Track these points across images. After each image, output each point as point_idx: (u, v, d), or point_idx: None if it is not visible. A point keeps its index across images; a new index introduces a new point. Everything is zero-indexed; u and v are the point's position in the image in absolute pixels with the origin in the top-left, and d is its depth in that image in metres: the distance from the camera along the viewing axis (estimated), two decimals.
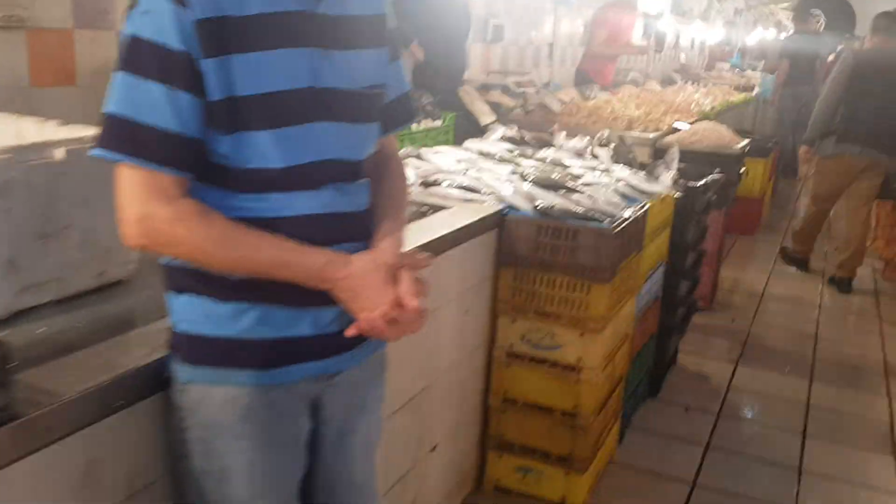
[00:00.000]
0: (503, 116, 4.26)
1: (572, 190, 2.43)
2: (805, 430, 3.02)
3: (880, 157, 4.63)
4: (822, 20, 8.32)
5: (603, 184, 2.60)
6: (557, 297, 2.27)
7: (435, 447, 2.14)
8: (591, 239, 2.20)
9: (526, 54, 6.28)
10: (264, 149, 1.05)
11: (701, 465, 2.72)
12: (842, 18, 12.57)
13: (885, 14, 4.87)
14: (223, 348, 1.09)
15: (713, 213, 3.82)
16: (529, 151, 3.09)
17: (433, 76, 4.11)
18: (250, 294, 1.08)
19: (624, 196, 2.57)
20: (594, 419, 2.33)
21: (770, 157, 6.07)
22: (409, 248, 1.80)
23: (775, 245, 5.76)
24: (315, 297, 1.09)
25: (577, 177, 2.71)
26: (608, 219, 2.27)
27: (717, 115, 5.73)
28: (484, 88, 4.91)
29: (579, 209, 2.27)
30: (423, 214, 2.13)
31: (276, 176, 1.06)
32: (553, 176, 2.61)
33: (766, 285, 4.87)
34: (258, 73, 1.02)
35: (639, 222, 2.49)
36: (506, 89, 5.02)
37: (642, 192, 2.66)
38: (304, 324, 1.12)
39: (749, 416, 3.12)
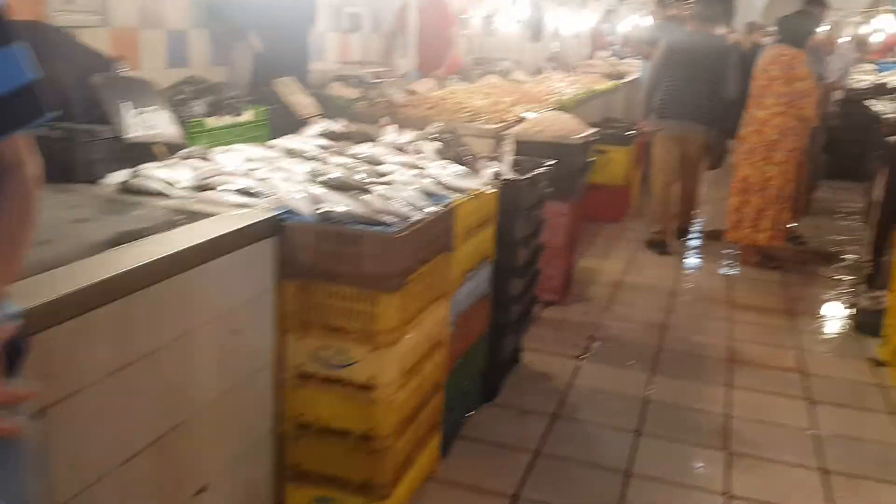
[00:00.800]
0: (344, 109, 4.02)
1: (366, 191, 2.22)
2: (640, 429, 2.93)
3: (696, 127, 5.19)
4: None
5: (408, 182, 2.40)
6: (345, 309, 2.05)
7: (203, 488, 1.88)
8: (375, 245, 2.00)
9: (392, 44, 6.04)
10: None
11: (526, 475, 2.57)
12: (719, 8, 12.91)
13: (704, 0, 5.25)
14: None
15: (555, 205, 3.71)
16: (348, 148, 2.87)
17: (272, 68, 3.85)
18: None
19: (430, 194, 2.38)
20: (394, 440, 2.14)
21: (633, 144, 6.06)
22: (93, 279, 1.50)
23: (642, 232, 5.76)
24: None
25: (385, 175, 2.51)
26: (398, 221, 2.07)
27: (577, 104, 5.66)
28: (338, 80, 4.67)
29: (365, 212, 2.06)
30: (174, 224, 1.86)
31: None
32: (356, 175, 2.39)
33: (624, 274, 4.84)
34: None
35: (443, 222, 2.31)
36: (360, 80, 4.79)
37: (453, 189, 2.48)
38: None
39: (584, 416, 3.00)
